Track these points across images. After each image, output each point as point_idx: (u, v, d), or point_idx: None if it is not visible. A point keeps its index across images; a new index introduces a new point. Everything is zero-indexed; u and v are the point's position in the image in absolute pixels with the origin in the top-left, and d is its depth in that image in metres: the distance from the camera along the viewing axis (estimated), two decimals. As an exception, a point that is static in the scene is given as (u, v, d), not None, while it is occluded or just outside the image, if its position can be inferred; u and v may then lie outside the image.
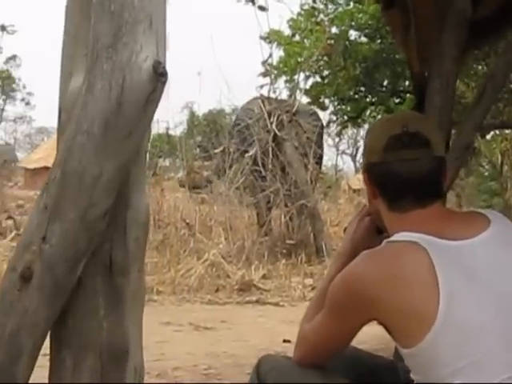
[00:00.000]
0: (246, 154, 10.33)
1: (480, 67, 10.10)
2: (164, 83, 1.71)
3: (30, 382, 1.83)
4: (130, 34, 1.69)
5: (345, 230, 2.09)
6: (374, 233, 1.94)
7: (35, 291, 1.75)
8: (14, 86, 25.87)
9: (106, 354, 1.83)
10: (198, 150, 15.99)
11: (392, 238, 1.71)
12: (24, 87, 26.72)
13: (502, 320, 1.61)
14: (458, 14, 3.47)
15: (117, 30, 1.69)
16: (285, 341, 5.32)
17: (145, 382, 1.94)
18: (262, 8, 10.97)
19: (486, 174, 14.77)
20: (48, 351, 1.89)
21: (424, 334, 1.58)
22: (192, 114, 24.98)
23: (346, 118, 13.17)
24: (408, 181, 1.76)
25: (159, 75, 1.69)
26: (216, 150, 11.01)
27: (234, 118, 11.93)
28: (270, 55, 11.70)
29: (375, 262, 1.68)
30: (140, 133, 1.76)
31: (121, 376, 1.85)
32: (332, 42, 11.51)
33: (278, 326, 6.33)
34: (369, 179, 1.84)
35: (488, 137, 12.70)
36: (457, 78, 3.77)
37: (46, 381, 1.91)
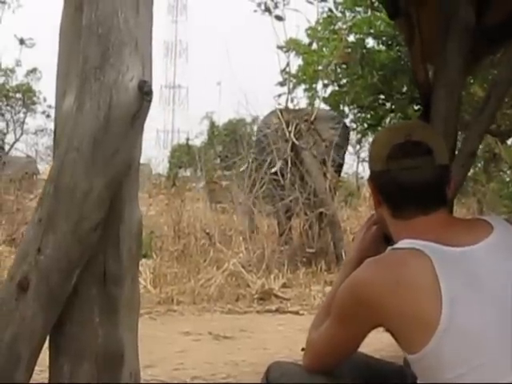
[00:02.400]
0: (265, 164, 10.31)
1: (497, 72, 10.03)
2: (150, 101, 1.79)
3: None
4: (116, 56, 1.77)
5: (353, 239, 2.14)
6: (381, 241, 1.95)
7: (32, 300, 1.82)
8: (34, 98, 25.90)
9: (102, 360, 1.91)
10: (218, 159, 16.00)
11: (395, 246, 1.74)
12: (44, 100, 26.64)
13: (505, 325, 1.62)
14: (461, 22, 3.48)
15: (104, 52, 1.77)
16: (303, 349, 5.28)
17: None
18: (278, 18, 11.05)
19: (508, 179, 14.62)
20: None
21: (427, 340, 1.60)
22: (212, 124, 24.87)
23: (365, 125, 13.13)
24: (410, 189, 1.78)
25: (145, 94, 1.77)
26: (234, 159, 10.99)
27: (254, 127, 11.93)
28: (288, 64, 11.73)
29: (378, 268, 1.71)
30: (128, 148, 1.84)
31: (116, 381, 1.92)
32: (349, 50, 11.50)
33: (298, 334, 6.25)
34: (373, 187, 1.87)
35: (508, 142, 12.63)
36: (463, 86, 3.79)
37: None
